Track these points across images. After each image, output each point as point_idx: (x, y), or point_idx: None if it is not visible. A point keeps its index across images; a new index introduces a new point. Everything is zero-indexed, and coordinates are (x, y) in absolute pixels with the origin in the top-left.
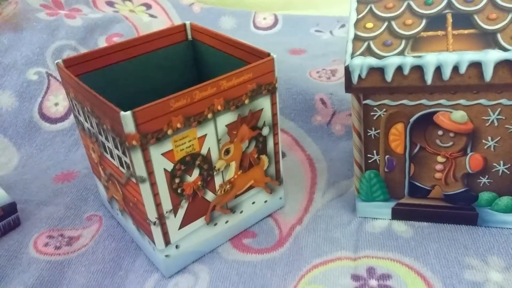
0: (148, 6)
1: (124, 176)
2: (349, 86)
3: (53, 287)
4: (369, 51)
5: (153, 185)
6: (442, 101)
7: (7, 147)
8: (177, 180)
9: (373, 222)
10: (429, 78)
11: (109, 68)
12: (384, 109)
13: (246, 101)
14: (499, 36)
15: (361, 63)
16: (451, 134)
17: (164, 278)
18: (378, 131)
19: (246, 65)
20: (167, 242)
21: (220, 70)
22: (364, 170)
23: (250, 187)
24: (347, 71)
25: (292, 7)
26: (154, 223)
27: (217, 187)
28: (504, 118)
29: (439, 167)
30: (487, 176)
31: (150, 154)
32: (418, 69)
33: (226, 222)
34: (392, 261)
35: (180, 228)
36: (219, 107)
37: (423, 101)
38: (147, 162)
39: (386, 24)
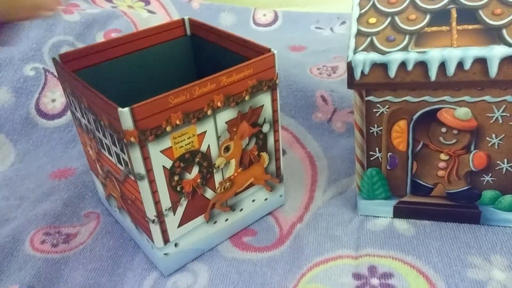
0: (147, 2)
1: (122, 173)
2: (351, 82)
3: (50, 285)
4: (372, 47)
5: (152, 182)
6: (445, 98)
7: (4, 143)
8: (176, 178)
9: (374, 220)
10: (433, 74)
11: (107, 64)
12: (387, 106)
13: (247, 98)
14: (504, 31)
15: (364, 58)
16: (455, 132)
17: (162, 277)
18: (381, 128)
19: (246, 61)
20: (166, 240)
21: (219, 66)
22: (366, 168)
23: (250, 185)
24: (350, 67)
25: (292, 3)
26: (153, 221)
27: (216, 185)
28: (508, 115)
29: (442, 164)
30: (490, 174)
31: (149, 151)
32: (422, 65)
33: (226, 220)
34: (394, 259)
35: (179, 226)
36: (219, 104)
37: (427, 98)
38: (146, 159)
39: (389, 19)
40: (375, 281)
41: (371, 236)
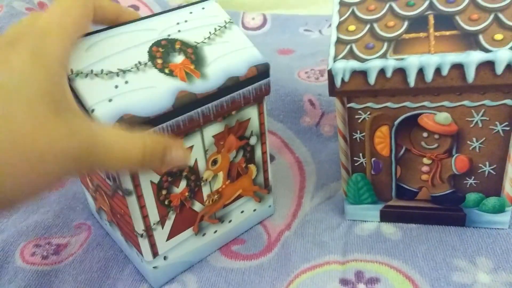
0: (136, 8)
1: (111, 188)
2: (332, 89)
3: None
4: (351, 54)
5: (140, 197)
6: (425, 103)
7: None
8: (164, 192)
9: (361, 224)
10: (411, 80)
11: None
12: (369, 112)
13: (233, 112)
14: (480, 37)
15: (344, 66)
16: (436, 136)
17: None
18: (363, 134)
19: None
20: (154, 253)
21: None
22: (351, 173)
23: (239, 197)
24: (330, 75)
25: (281, 6)
26: (141, 235)
27: (205, 198)
28: (488, 119)
29: (425, 169)
30: (473, 177)
31: None
32: (401, 72)
33: (215, 231)
34: (381, 264)
35: (168, 239)
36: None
37: (407, 104)
38: (133, 174)
39: (368, 26)
40: (361, 286)
41: (358, 241)
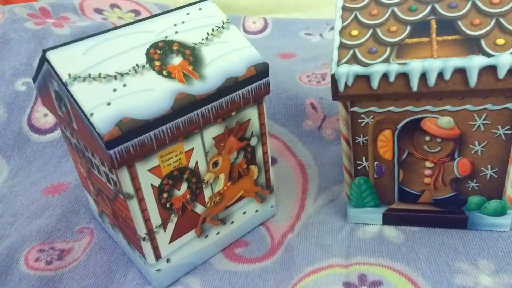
0: (137, 13)
1: (112, 192)
2: (336, 94)
3: None
4: (354, 59)
5: (141, 201)
6: (428, 107)
7: None
8: (165, 195)
9: (364, 227)
10: (414, 84)
11: None
12: (371, 116)
13: (233, 113)
14: (482, 41)
15: (347, 71)
16: (439, 140)
17: None
18: (366, 138)
19: None
20: (157, 256)
21: None
22: (354, 177)
23: (241, 197)
24: (334, 79)
25: (282, 10)
26: (144, 239)
27: (206, 200)
28: (490, 123)
29: (427, 172)
30: (475, 180)
31: (137, 170)
32: (404, 76)
33: (218, 233)
34: (383, 267)
35: (170, 242)
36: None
37: (410, 108)
38: (134, 178)
39: (371, 31)
40: None
41: (361, 244)
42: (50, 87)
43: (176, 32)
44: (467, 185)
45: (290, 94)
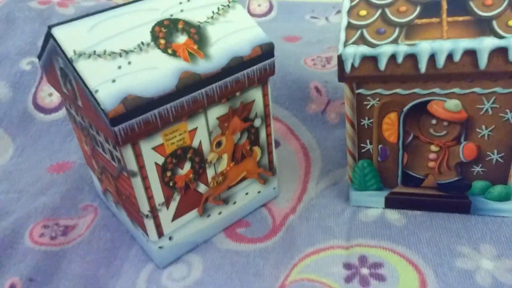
0: None
1: (116, 169)
2: (342, 75)
3: (49, 277)
4: (362, 40)
5: (145, 179)
6: (436, 90)
7: (2, 138)
8: (168, 174)
9: (366, 211)
10: (423, 66)
11: None
12: (378, 98)
13: (237, 93)
14: (494, 23)
15: (354, 52)
16: (445, 123)
17: (158, 268)
18: (372, 120)
19: None
20: (160, 234)
21: None
22: (357, 160)
23: (243, 178)
24: (340, 60)
25: None
26: (147, 216)
27: (209, 179)
28: (498, 106)
29: (432, 156)
30: (480, 165)
31: (141, 148)
32: (412, 58)
33: (220, 213)
34: (384, 249)
35: (173, 220)
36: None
37: (417, 90)
38: (138, 156)
39: (379, 11)
40: (365, 270)
41: (363, 226)
42: (55, 64)
43: (182, 11)
44: (472, 169)
45: (294, 78)
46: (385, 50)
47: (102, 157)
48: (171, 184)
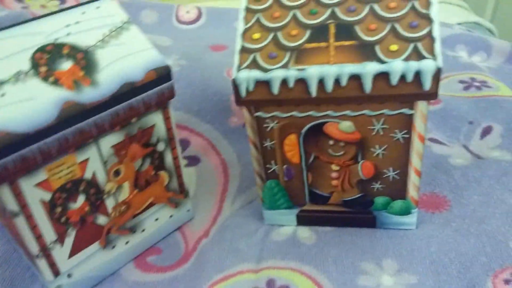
0: (62, 1)
1: (0, 208)
2: (238, 99)
3: None
4: (255, 64)
5: (29, 218)
6: (329, 112)
7: None
8: (58, 209)
9: (279, 229)
10: (313, 90)
11: None
12: (276, 121)
13: (133, 120)
14: (377, 48)
15: (247, 76)
16: (342, 144)
17: None
18: (273, 142)
19: None
20: (56, 273)
21: None
22: (265, 180)
23: (151, 204)
24: (235, 85)
25: None
26: (37, 256)
27: (110, 210)
28: (388, 127)
29: (334, 175)
30: (379, 182)
31: (21, 186)
32: (303, 82)
33: (127, 243)
34: (293, 271)
35: (70, 256)
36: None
37: (312, 113)
38: (18, 195)
39: (272, 35)
40: None
41: (274, 246)
42: None
43: (68, 34)
44: (372, 186)
45: (216, 90)
46: (276, 75)
47: None
48: (63, 220)
